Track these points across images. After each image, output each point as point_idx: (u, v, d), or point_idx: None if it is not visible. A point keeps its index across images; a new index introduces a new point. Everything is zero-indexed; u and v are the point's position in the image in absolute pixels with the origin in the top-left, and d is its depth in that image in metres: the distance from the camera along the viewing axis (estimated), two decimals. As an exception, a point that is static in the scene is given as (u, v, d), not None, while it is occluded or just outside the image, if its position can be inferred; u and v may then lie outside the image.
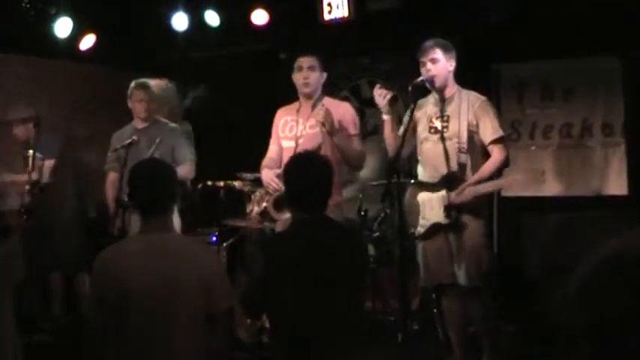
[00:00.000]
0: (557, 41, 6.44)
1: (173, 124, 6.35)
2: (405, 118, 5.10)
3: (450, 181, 4.86)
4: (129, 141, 6.00)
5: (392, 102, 5.03)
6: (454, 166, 4.88)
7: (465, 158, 4.87)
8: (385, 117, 5.08)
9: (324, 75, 5.40)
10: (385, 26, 7.00)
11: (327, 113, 5.09)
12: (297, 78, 5.35)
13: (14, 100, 7.38)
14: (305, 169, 3.73)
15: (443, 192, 4.88)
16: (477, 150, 4.92)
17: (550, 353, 5.71)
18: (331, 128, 5.09)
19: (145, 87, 6.26)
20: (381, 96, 5.02)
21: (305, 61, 5.34)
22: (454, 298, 5.06)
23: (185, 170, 6.10)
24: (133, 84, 6.29)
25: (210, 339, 3.25)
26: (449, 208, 4.84)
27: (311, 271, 3.46)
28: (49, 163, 6.47)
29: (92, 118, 7.39)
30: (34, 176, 6.30)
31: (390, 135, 5.09)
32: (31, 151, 6.22)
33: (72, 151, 6.75)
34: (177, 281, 3.18)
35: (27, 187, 6.24)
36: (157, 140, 6.01)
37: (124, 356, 3.20)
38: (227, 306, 3.29)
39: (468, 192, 4.81)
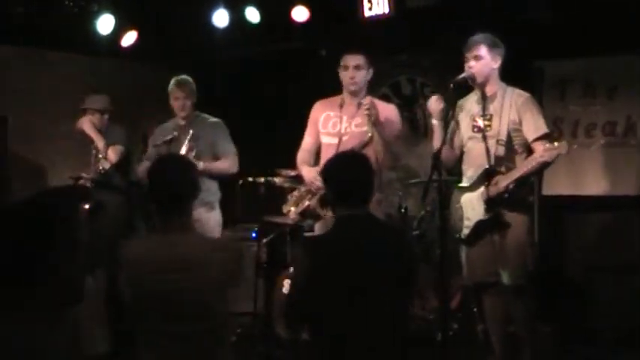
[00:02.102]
0: (599, 38, 6.35)
1: (214, 119, 6.38)
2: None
3: (488, 176, 4.84)
4: (170, 137, 6.06)
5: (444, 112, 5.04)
6: (493, 162, 4.86)
7: (502, 151, 4.85)
8: (435, 122, 5.07)
9: (371, 72, 5.42)
10: (425, 23, 6.96)
11: (372, 104, 5.10)
12: (344, 76, 5.38)
13: (57, 97, 7.50)
14: (350, 165, 3.75)
15: (482, 188, 4.86)
16: (517, 146, 4.89)
17: (589, 354, 5.68)
18: (376, 119, 5.09)
19: (181, 84, 6.29)
20: (436, 104, 5.01)
21: (351, 60, 5.36)
22: (496, 297, 5.03)
23: (226, 164, 6.15)
24: (172, 81, 6.33)
25: None
26: (488, 203, 4.82)
27: (357, 269, 3.45)
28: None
29: (133, 115, 7.44)
30: (106, 165, 6.50)
31: (439, 138, 5.06)
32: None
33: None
34: (202, 280, 3.20)
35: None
36: (190, 133, 6.06)
37: (152, 350, 3.24)
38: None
39: (500, 182, 4.78)
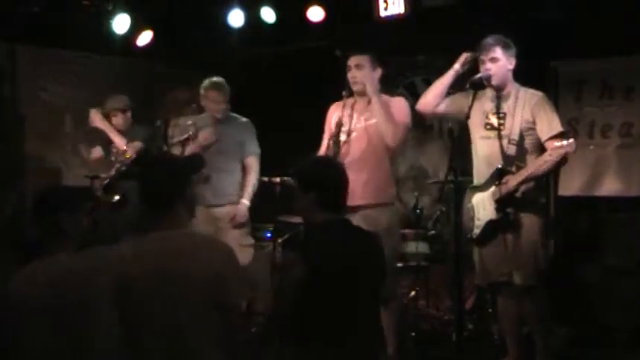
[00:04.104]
0: (616, 38, 6.33)
1: (244, 119, 6.42)
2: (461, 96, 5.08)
3: (500, 175, 4.83)
4: (186, 136, 6.06)
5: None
6: (504, 161, 4.86)
7: (513, 150, 4.85)
8: (458, 67, 5.17)
9: (379, 71, 5.42)
10: (441, 23, 6.95)
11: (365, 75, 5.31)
12: (348, 76, 5.41)
13: (72, 96, 7.52)
14: (337, 170, 3.79)
15: (492, 188, 4.86)
16: (529, 145, 4.88)
17: (604, 354, 5.66)
18: (371, 87, 5.23)
19: (220, 87, 6.30)
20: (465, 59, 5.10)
21: (353, 60, 5.43)
22: (510, 298, 5.03)
23: (254, 178, 6.29)
24: (206, 83, 6.35)
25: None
26: (499, 202, 4.81)
27: (349, 272, 3.49)
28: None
29: (147, 114, 7.45)
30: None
31: (444, 84, 5.17)
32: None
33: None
34: (184, 279, 3.14)
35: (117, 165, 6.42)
36: (191, 131, 6.11)
37: (138, 353, 3.18)
38: (235, 303, 3.22)
39: (510, 182, 4.77)
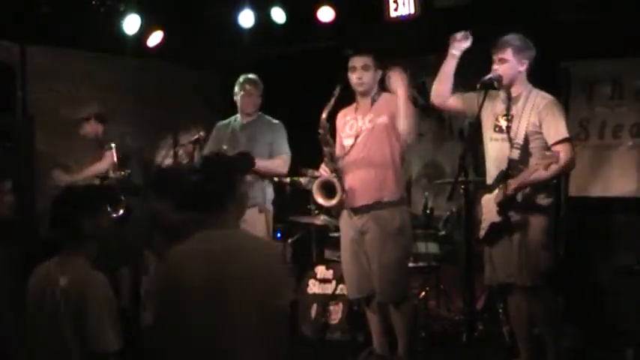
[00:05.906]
0: (628, 39, 6.31)
1: (275, 121, 6.42)
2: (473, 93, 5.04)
3: (505, 178, 4.82)
4: (196, 137, 6.06)
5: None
6: (507, 165, 4.85)
7: (516, 154, 4.84)
8: (454, 52, 5.12)
9: (380, 73, 5.47)
10: (451, 23, 6.93)
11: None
12: (351, 78, 5.46)
13: (82, 95, 7.53)
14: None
15: (497, 191, 4.86)
16: (534, 150, 4.85)
17: (615, 356, 5.65)
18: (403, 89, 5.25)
19: (254, 82, 6.35)
20: (460, 40, 5.05)
21: (358, 61, 5.45)
22: (519, 298, 5.03)
23: (275, 163, 6.22)
24: (241, 78, 6.40)
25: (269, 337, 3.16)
26: (500, 205, 4.80)
27: None
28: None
29: (159, 114, 7.47)
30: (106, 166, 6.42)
31: (446, 72, 5.16)
32: (113, 145, 6.40)
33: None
34: (229, 278, 3.12)
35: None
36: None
37: (182, 352, 3.17)
38: (279, 304, 3.19)
39: (510, 186, 4.75)
